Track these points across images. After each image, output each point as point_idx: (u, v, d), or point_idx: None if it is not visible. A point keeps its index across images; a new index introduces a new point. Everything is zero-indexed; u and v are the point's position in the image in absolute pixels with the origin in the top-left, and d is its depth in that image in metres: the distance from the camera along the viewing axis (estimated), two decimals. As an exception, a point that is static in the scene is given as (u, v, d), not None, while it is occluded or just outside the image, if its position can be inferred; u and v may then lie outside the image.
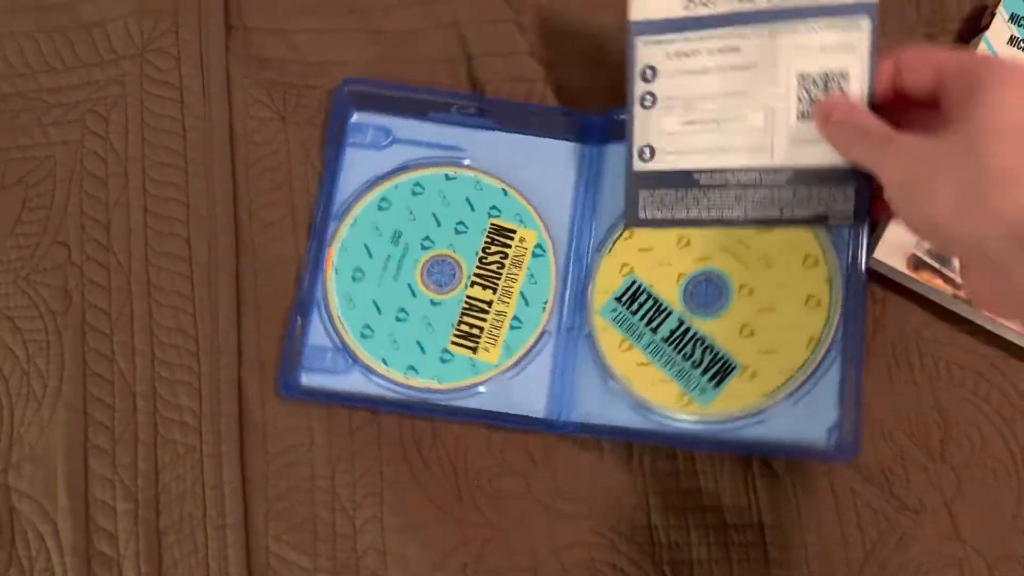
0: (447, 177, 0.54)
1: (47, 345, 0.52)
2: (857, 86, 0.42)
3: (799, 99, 0.43)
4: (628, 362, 0.50)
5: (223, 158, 0.54)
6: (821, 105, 0.42)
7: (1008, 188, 0.34)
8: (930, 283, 0.51)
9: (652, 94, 0.46)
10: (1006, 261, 0.35)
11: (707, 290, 0.50)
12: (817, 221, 0.43)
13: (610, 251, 0.52)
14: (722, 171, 0.45)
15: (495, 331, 0.52)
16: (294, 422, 0.51)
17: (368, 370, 0.51)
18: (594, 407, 0.50)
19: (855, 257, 0.49)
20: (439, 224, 0.53)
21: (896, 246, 0.52)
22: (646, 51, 0.46)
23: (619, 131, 0.48)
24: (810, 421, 0.48)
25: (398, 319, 0.52)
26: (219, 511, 0.50)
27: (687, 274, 0.51)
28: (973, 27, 0.55)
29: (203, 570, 0.49)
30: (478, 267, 0.52)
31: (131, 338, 0.52)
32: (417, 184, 0.54)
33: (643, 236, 0.52)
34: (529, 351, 0.52)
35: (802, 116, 0.43)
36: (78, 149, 0.55)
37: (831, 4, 0.43)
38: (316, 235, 0.52)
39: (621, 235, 0.52)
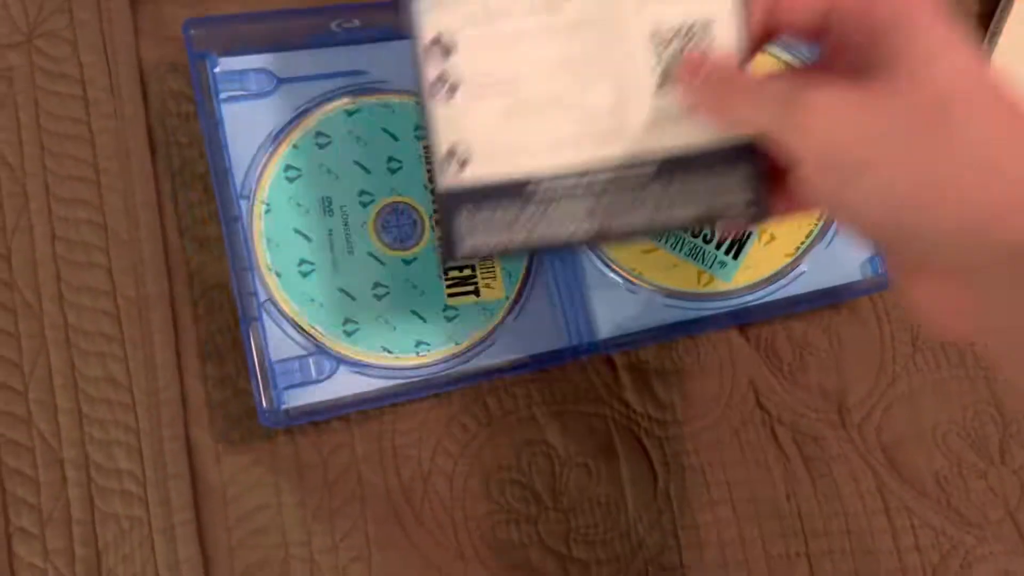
0: (348, 113, 0.45)
1: (-53, 410, 0.43)
2: (727, 35, 0.33)
3: (656, 62, 0.33)
4: (630, 252, 0.45)
5: (142, 166, 0.45)
6: (685, 64, 0.33)
7: (984, 176, 0.27)
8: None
9: (450, 77, 0.35)
10: (972, 276, 0.28)
11: None
12: (704, 221, 0.34)
13: None
14: (565, 174, 0.34)
15: (488, 263, 0.45)
16: (257, 477, 0.43)
17: (364, 366, 0.44)
18: (616, 317, 0.44)
19: None
20: (368, 171, 0.45)
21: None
22: (434, 17, 0.34)
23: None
24: (849, 258, 0.45)
25: (377, 297, 0.44)
26: (178, 595, 0.42)
27: None
28: None
29: (166, 668, 0.42)
30: (435, 202, 0.39)
31: (51, 395, 0.43)
32: (319, 135, 0.45)
33: None
34: (530, 269, 0.45)
35: (662, 85, 0.33)
36: (-38, 163, 0.45)
37: None
38: (229, 235, 0.42)
39: None
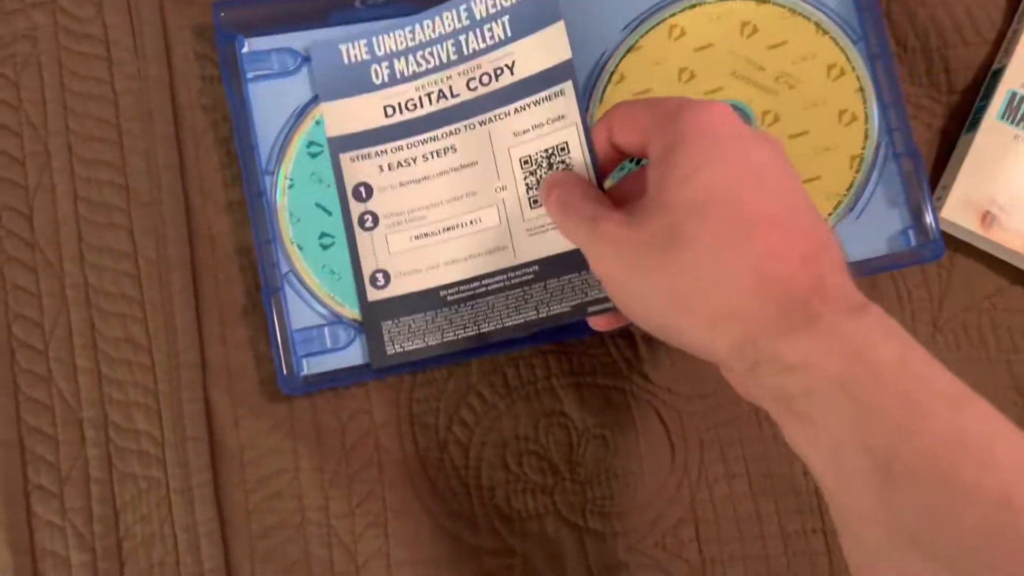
0: None
1: (-33, 367, 0.43)
2: (579, 159, 0.40)
3: (527, 186, 0.41)
4: None
5: (165, 128, 0.45)
6: (542, 188, 0.40)
7: (708, 290, 0.31)
8: (1005, 244, 0.45)
9: (372, 213, 0.43)
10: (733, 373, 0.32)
11: None
12: (578, 312, 0.40)
13: (601, 102, 0.45)
14: (468, 281, 0.42)
15: None
16: (276, 442, 0.43)
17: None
18: None
19: (883, 49, 0.44)
20: None
21: (966, 202, 0.45)
22: (355, 168, 0.43)
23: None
24: (880, 230, 0.44)
25: None
26: (194, 556, 0.42)
27: None
28: None
29: (181, 627, 0.42)
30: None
31: (71, 354, 0.43)
32: None
33: (636, 77, 0.45)
34: None
35: (533, 203, 0.41)
36: (-15, 122, 0.45)
37: (530, 76, 0.41)
38: (253, 209, 0.43)
39: (609, 81, 0.45)
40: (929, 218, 0.44)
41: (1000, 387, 0.45)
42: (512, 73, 0.42)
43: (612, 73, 0.45)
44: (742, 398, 0.35)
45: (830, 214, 0.44)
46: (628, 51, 0.45)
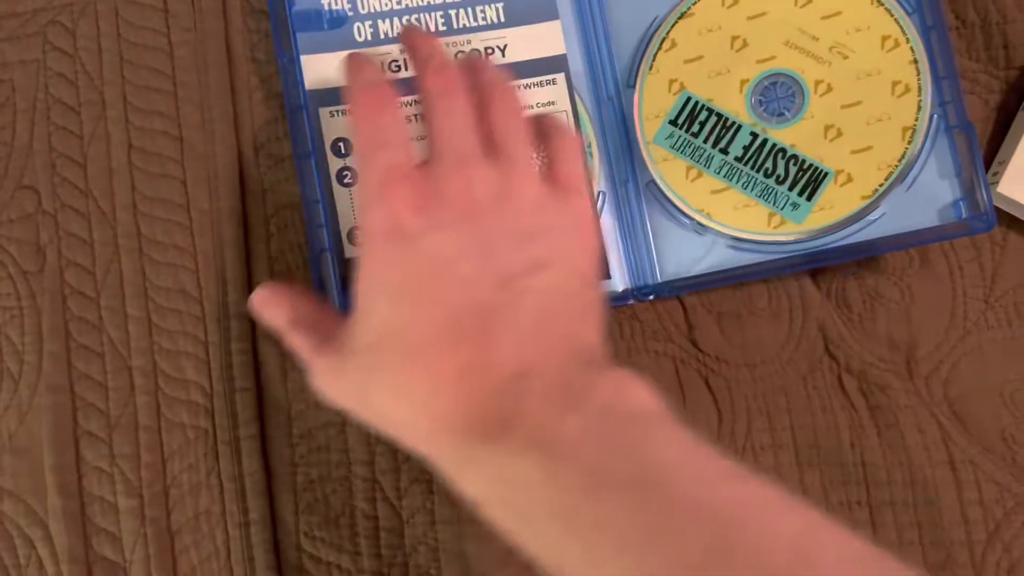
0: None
1: (20, 313, 0.43)
2: None
3: None
4: (701, 191, 0.44)
5: (220, 81, 0.45)
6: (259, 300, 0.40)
7: (390, 400, 0.33)
8: (1062, 220, 0.44)
9: (351, 169, 0.43)
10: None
11: (778, 94, 0.44)
12: None
13: (652, 70, 0.45)
14: None
15: None
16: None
17: None
18: (681, 258, 0.44)
19: (937, 21, 0.43)
20: None
21: (1020, 176, 0.44)
22: (334, 123, 0.43)
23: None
24: (931, 202, 0.44)
25: None
26: (240, 506, 0.42)
27: (751, 79, 0.44)
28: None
29: (226, 575, 0.42)
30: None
31: (122, 302, 0.43)
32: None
33: (688, 44, 0.45)
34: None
35: None
36: (40, 70, 0.45)
37: (522, 61, 0.42)
38: (301, 170, 0.43)
39: (660, 47, 0.45)
40: (981, 191, 0.43)
41: (1050, 365, 0.45)
42: (504, 55, 0.42)
43: (664, 40, 0.45)
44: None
45: (881, 184, 0.44)
46: (680, 17, 0.45)
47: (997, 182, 0.44)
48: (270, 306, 0.38)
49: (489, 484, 0.31)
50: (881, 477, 0.43)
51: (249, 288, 0.44)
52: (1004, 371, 0.45)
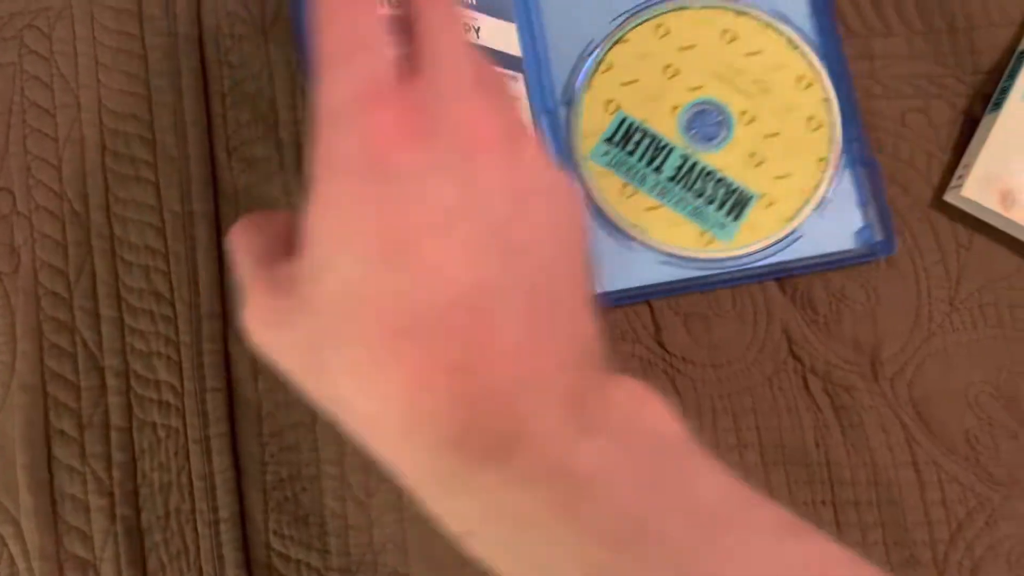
0: None
1: (-6, 313, 0.44)
2: None
3: None
4: (636, 207, 0.46)
5: (193, 85, 0.45)
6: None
7: (356, 389, 0.25)
8: (1025, 223, 0.45)
9: None
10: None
11: (707, 121, 0.46)
12: None
13: (588, 88, 0.46)
14: None
15: None
16: (293, 397, 0.44)
17: None
18: (615, 269, 0.45)
19: (844, 72, 0.46)
20: None
21: (987, 181, 0.45)
22: None
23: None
24: (844, 227, 0.46)
25: None
26: (210, 504, 0.43)
27: (682, 106, 0.46)
28: None
29: (195, 573, 0.43)
30: None
31: (94, 303, 0.44)
32: None
33: (624, 67, 0.46)
34: None
35: None
36: (17, 73, 0.46)
37: (492, 49, 0.42)
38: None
39: (597, 68, 0.46)
40: (886, 219, 0.45)
41: (1016, 364, 0.45)
42: (478, 37, 0.42)
43: (600, 61, 0.46)
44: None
45: (798, 209, 0.46)
46: (616, 43, 0.47)
47: (961, 185, 0.45)
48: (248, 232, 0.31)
49: (483, 517, 0.25)
50: (845, 477, 0.44)
51: (221, 290, 0.44)
52: (968, 373, 0.45)
